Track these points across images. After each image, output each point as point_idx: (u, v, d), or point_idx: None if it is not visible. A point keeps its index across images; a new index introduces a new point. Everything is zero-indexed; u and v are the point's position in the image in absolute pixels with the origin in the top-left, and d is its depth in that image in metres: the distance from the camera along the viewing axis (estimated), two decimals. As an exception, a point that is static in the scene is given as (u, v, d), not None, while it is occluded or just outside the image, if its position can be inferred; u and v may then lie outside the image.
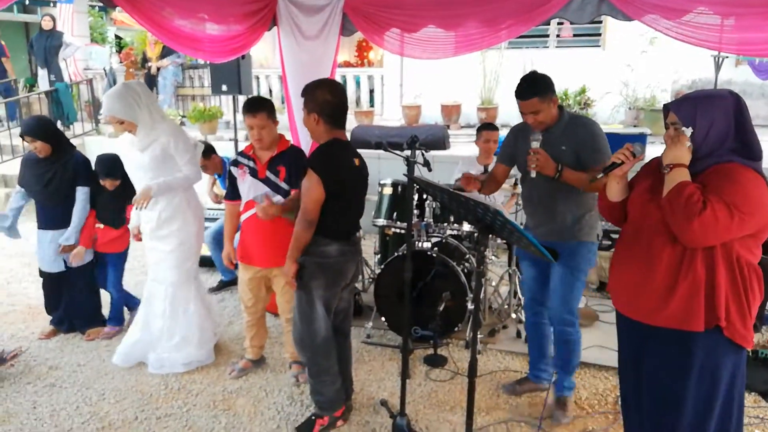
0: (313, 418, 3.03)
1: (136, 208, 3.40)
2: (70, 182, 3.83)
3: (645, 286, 2.09)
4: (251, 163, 3.31)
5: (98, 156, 3.99)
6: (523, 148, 2.96)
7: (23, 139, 3.85)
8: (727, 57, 7.48)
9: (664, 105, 2.10)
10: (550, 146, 2.86)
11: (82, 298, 4.09)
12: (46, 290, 4.13)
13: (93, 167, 3.95)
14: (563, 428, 3.06)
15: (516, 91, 2.86)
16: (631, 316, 2.18)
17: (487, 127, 4.65)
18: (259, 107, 3.18)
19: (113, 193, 3.94)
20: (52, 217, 3.89)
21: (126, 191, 3.74)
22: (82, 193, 3.87)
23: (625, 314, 2.22)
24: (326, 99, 2.79)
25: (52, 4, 11.91)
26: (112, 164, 3.84)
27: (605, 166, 2.20)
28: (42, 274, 4.07)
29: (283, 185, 3.23)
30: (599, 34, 8.98)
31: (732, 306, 1.98)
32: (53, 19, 9.67)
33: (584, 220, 2.94)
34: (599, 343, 3.85)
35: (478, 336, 2.50)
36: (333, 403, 3.05)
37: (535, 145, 2.84)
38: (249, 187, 3.30)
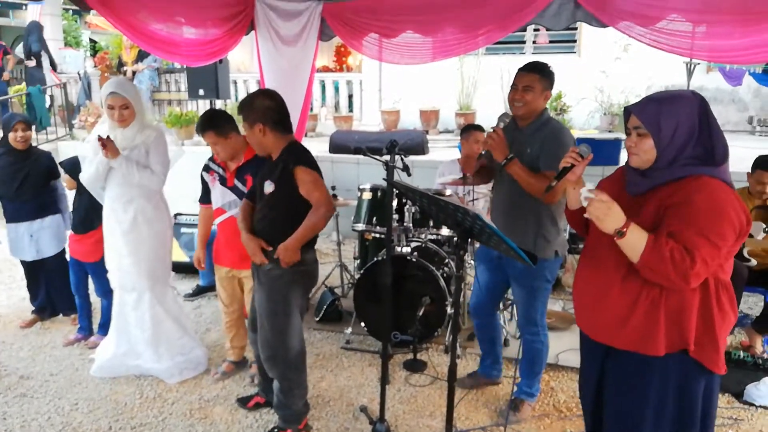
0: (276, 430, 2.98)
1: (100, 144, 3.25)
2: (44, 177, 4.10)
3: (603, 305, 1.96)
4: (220, 171, 3.34)
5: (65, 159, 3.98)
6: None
7: (12, 128, 4.03)
8: (698, 63, 7.64)
9: (625, 108, 1.93)
10: (518, 144, 2.89)
11: (60, 283, 4.27)
12: (27, 278, 4.45)
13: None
14: (542, 431, 3.08)
15: (522, 66, 2.91)
16: (590, 335, 2.06)
17: (476, 128, 4.61)
18: (206, 128, 3.14)
19: (75, 198, 3.89)
20: (25, 210, 4.12)
21: (86, 196, 3.69)
22: (60, 185, 4.15)
23: (585, 332, 2.11)
24: (267, 105, 2.69)
25: (24, 7, 11.70)
26: (76, 164, 3.77)
27: (556, 174, 2.06)
28: (22, 262, 4.37)
29: None
30: (575, 41, 9.13)
31: (701, 329, 1.84)
32: None
33: (541, 235, 2.91)
34: (576, 347, 3.87)
35: (458, 340, 2.50)
36: (299, 416, 3.00)
37: (500, 126, 2.87)
38: (219, 194, 3.33)
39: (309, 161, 2.74)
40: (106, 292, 4.01)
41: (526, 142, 2.88)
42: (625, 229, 1.77)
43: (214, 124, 3.15)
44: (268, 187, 2.76)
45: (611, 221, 1.78)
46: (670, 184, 1.84)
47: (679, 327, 1.83)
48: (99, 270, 3.94)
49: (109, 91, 3.31)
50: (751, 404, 3.31)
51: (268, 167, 2.83)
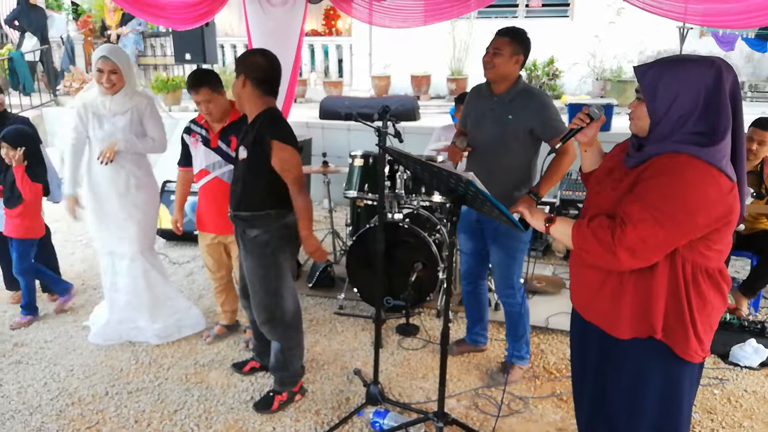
0: (272, 394, 3.01)
1: (101, 162, 3.33)
2: None
3: (581, 276, 1.92)
4: (203, 132, 3.32)
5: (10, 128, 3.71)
6: (475, 106, 3.06)
7: None
8: (691, 28, 7.57)
9: (634, 67, 1.75)
10: (498, 112, 2.91)
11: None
12: None
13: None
14: (533, 392, 3.15)
15: (498, 30, 2.93)
16: (573, 304, 2.02)
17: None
18: (200, 84, 3.11)
19: (8, 169, 3.71)
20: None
21: (11, 170, 3.62)
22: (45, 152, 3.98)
23: (571, 300, 2.05)
24: (256, 61, 2.68)
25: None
26: (23, 135, 3.67)
27: (563, 135, 2.08)
28: None
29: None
30: (567, 5, 9.00)
31: (672, 316, 1.72)
32: None
33: (517, 200, 2.88)
34: (566, 310, 3.93)
35: (450, 305, 2.53)
36: (295, 378, 3.05)
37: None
38: (202, 155, 3.32)
39: (286, 134, 2.69)
40: (25, 271, 3.84)
41: (506, 109, 2.90)
42: (548, 224, 1.89)
43: (209, 79, 3.14)
44: (242, 152, 2.75)
45: (535, 223, 1.95)
46: (651, 160, 1.68)
47: (646, 312, 1.73)
48: (22, 247, 3.79)
49: (100, 55, 3.30)
50: (737, 365, 3.40)
51: (243, 131, 2.81)
